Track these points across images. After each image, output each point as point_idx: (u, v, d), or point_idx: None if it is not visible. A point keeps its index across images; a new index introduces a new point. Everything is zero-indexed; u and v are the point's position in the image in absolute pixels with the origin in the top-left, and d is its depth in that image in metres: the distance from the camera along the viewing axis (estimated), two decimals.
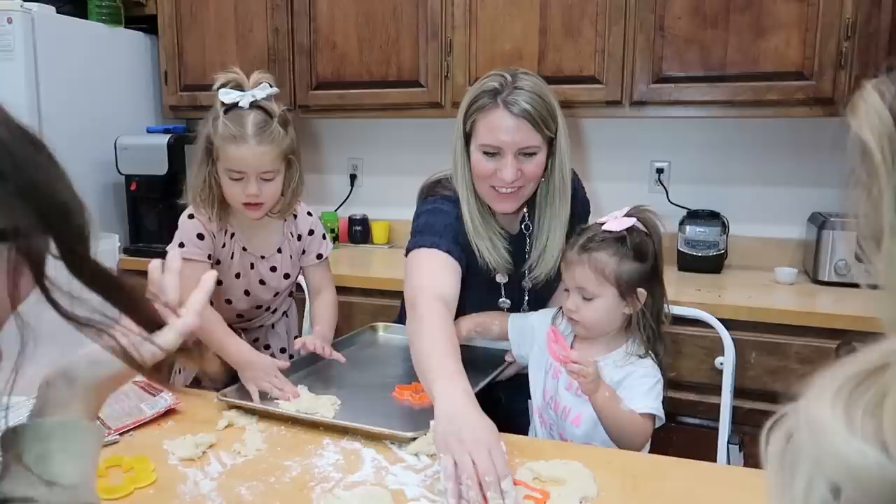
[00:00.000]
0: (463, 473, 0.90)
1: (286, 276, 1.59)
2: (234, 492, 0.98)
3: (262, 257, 1.54)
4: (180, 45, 2.67)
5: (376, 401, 1.30)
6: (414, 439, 1.10)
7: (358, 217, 2.76)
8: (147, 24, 2.73)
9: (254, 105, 1.38)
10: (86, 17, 2.59)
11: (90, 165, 2.51)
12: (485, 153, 1.30)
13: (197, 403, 1.29)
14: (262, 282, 1.55)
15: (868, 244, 0.42)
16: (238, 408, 1.25)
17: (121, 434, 1.15)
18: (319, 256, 1.62)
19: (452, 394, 1.03)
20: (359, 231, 2.76)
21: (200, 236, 1.45)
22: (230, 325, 1.57)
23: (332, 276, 1.67)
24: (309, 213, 1.60)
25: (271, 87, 1.41)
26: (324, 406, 1.24)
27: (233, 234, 1.50)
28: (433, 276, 1.31)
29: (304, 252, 1.60)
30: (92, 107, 2.52)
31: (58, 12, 2.44)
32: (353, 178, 2.85)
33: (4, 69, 2.25)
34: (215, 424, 1.19)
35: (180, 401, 1.26)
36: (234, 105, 1.38)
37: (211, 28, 2.61)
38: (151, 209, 2.55)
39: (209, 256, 1.48)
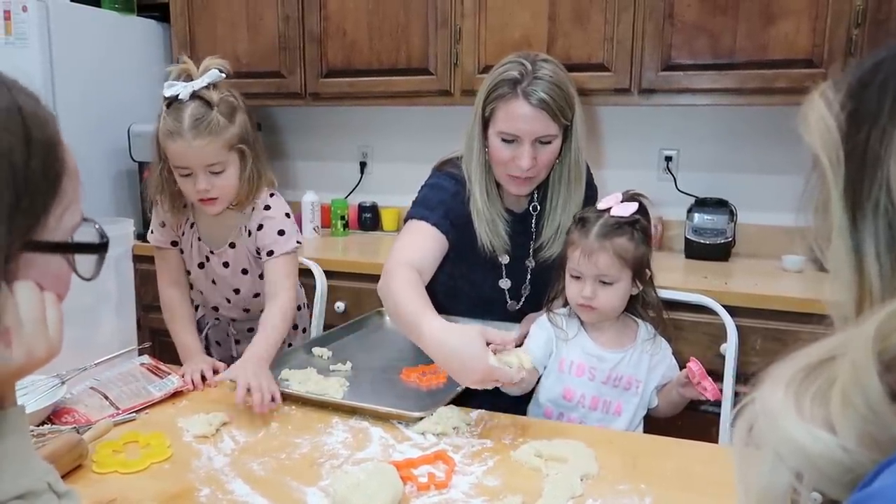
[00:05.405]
0: None
1: (244, 271, 1.52)
2: (246, 467, 1.01)
3: (212, 252, 1.50)
4: (192, 33, 2.69)
5: (383, 382, 1.33)
6: (420, 419, 1.12)
7: (367, 204, 2.79)
8: (159, 13, 2.76)
9: (195, 96, 1.32)
10: (99, 6, 2.62)
11: (104, 153, 2.55)
12: (503, 140, 1.35)
13: (209, 384, 1.33)
14: (219, 275, 1.52)
15: (821, 243, 0.44)
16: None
17: (137, 412, 1.19)
18: (270, 253, 1.44)
19: (431, 328, 1.14)
20: (368, 218, 2.78)
21: (163, 224, 1.50)
22: (239, 320, 1.60)
23: (294, 279, 1.47)
24: (267, 207, 1.46)
25: (221, 72, 1.34)
26: (332, 387, 1.27)
27: (192, 224, 1.50)
28: (411, 246, 1.38)
29: (258, 249, 1.48)
30: (106, 94, 2.55)
31: (72, 1, 2.47)
32: (362, 165, 2.87)
33: (20, 57, 2.28)
34: (227, 404, 1.21)
35: (189, 383, 1.30)
36: (176, 98, 1.32)
37: (222, 16, 2.63)
38: None
39: (174, 243, 1.52)
